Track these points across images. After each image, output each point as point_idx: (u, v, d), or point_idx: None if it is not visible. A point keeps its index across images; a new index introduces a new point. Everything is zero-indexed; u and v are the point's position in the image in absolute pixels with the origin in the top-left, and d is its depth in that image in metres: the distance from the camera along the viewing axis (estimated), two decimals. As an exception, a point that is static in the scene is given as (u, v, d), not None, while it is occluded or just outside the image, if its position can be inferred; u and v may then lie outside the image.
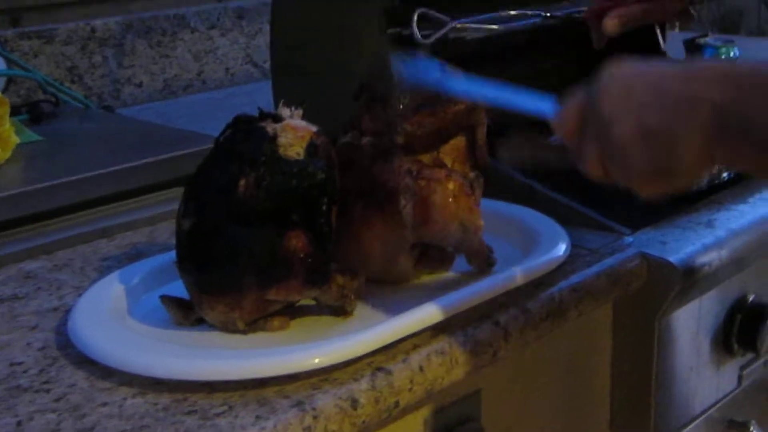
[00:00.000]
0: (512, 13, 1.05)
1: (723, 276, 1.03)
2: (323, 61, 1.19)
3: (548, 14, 1.05)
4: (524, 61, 1.37)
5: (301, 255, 0.75)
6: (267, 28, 1.23)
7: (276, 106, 1.20)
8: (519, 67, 1.35)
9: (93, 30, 1.44)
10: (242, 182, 0.75)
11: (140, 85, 1.50)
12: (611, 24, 0.98)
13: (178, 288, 0.78)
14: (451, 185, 0.82)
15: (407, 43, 1.13)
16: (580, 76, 1.21)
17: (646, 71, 0.65)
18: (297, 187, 0.75)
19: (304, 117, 0.81)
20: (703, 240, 0.99)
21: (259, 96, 1.49)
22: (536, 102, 0.73)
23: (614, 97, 0.65)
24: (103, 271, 0.88)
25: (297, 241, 0.75)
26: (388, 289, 0.85)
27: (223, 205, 0.75)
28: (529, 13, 1.06)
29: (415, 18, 0.84)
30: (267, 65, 1.28)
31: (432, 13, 0.84)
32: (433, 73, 0.78)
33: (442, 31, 1.01)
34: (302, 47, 1.21)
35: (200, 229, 0.76)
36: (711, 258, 0.98)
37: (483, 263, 0.86)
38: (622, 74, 0.66)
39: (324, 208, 0.76)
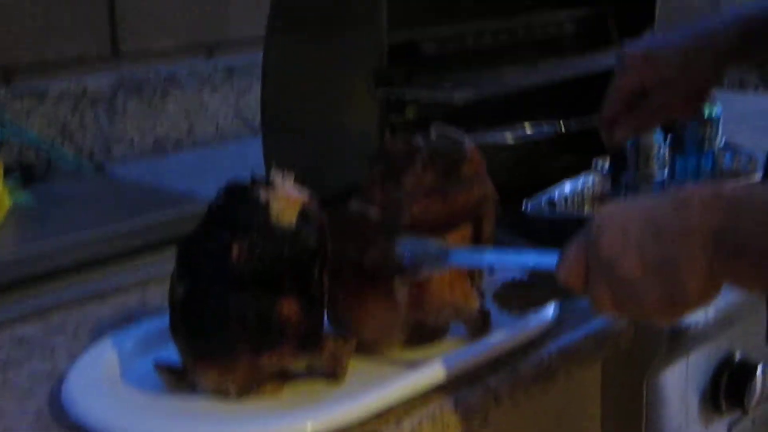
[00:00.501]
0: (527, 127, 1.08)
1: (710, 335, 1.04)
2: (313, 119, 1.20)
3: (563, 127, 1.08)
4: (513, 120, 1.40)
5: (294, 321, 0.76)
6: (257, 84, 1.24)
7: (266, 163, 1.22)
8: (508, 125, 1.38)
9: (85, 89, 1.45)
10: (235, 249, 0.76)
11: (131, 142, 1.51)
12: (622, 133, 1.01)
13: (171, 352, 0.79)
14: (447, 274, 0.83)
15: (397, 104, 1.15)
16: (571, 133, 1.23)
17: (637, 208, 0.68)
18: (289, 254, 0.76)
19: (295, 182, 0.83)
20: (690, 299, 1.00)
21: (248, 153, 1.50)
22: (538, 258, 0.75)
23: (611, 238, 0.66)
24: (97, 335, 0.89)
25: (289, 308, 0.76)
26: (379, 353, 0.86)
27: (216, 272, 0.76)
28: (544, 126, 1.09)
29: (433, 135, 0.87)
30: (257, 122, 1.30)
31: (449, 131, 0.87)
32: (434, 250, 0.80)
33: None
34: (292, 105, 1.22)
35: (193, 295, 0.77)
36: (697, 318, 1.00)
37: (477, 331, 0.87)
38: (615, 215, 0.68)
39: (316, 274, 0.78)
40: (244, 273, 0.75)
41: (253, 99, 1.64)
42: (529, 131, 1.09)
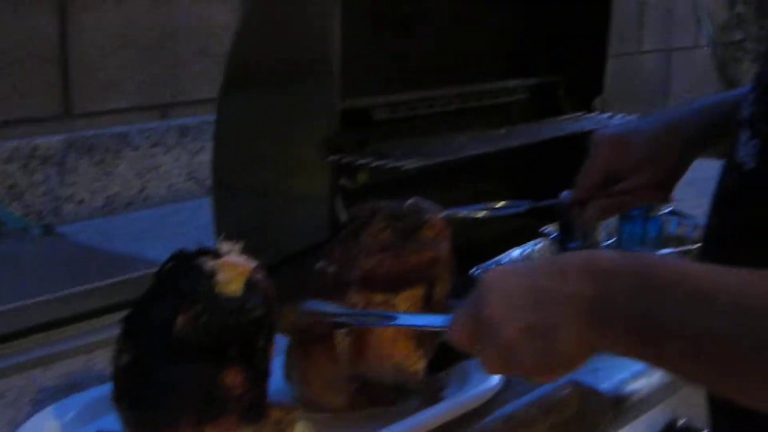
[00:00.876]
0: (498, 205, 1.10)
1: (653, 402, 1.05)
2: (264, 182, 1.21)
3: (534, 205, 1.10)
4: (464, 184, 1.42)
5: (238, 392, 0.76)
6: (210, 145, 1.25)
7: (216, 225, 1.22)
8: (458, 189, 1.40)
9: (35, 148, 1.45)
10: (180, 319, 0.76)
11: (81, 202, 1.51)
12: (592, 215, 1.03)
13: (114, 421, 0.78)
14: (389, 328, 0.83)
15: (348, 169, 1.16)
16: (519, 196, 1.24)
17: (521, 273, 0.70)
18: (234, 324, 0.76)
19: (243, 250, 0.83)
20: (634, 366, 1.01)
21: (201, 213, 1.50)
22: (431, 319, 0.80)
23: (496, 302, 0.69)
24: (38, 404, 0.88)
25: (233, 378, 0.76)
26: (322, 422, 0.86)
27: (160, 342, 0.76)
28: (515, 203, 1.11)
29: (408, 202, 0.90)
30: (209, 182, 1.31)
31: (421, 201, 0.90)
32: (331, 309, 0.83)
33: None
34: (244, 167, 1.23)
35: (137, 365, 0.76)
36: (641, 385, 1.01)
37: (427, 400, 0.87)
38: (501, 279, 0.70)
39: (261, 344, 0.78)
40: (189, 343, 0.75)
41: (206, 159, 1.63)
42: (499, 206, 1.12)
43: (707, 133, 1.00)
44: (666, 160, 1.00)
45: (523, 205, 1.10)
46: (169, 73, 1.64)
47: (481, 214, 1.09)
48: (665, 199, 1.05)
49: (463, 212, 1.06)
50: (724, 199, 0.83)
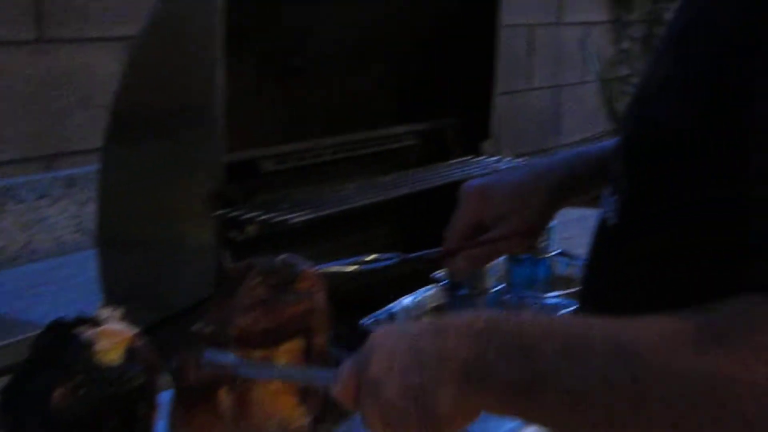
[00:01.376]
0: (369, 258, 1.10)
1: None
2: (150, 235, 1.19)
3: (403, 257, 1.10)
4: (356, 231, 1.42)
5: (119, 464, 0.74)
6: (98, 195, 1.23)
7: (102, 279, 1.20)
8: (351, 236, 1.40)
9: None
10: (58, 392, 0.74)
11: (-37, 259, 1.47)
12: (462, 265, 1.04)
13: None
14: (271, 384, 0.83)
15: (236, 222, 1.15)
16: (398, 244, 1.25)
17: (404, 334, 0.71)
18: (114, 394, 0.75)
19: (124, 317, 0.82)
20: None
21: (89, 266, 1.47)
22: (317, 375, 0.80)
23: (379, 362, 0.69)
24: None
25: (115, 450, 0.74)
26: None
27: (38, 416, 0.74)
28: (386, 256, 1.11)
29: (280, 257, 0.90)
30: (98, 234, 1.28)
31: (292, 257, 0.90)
32: (229, 359, 0.82)
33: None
34: (129, 221, 1.21)
35: (13, 441, 0.74)
36: (529, 433, 1.02)
37: None
38: (386, 338, 0.71)
39: (142, 412, 0.77)
40: (68, 416, 0.74)
41: (94, 209, 1.61)
42: (370, 259, 1.12)
43: (571, 183, 1.02)
44: (529, 210, 1.01)
45: (395, 258, 1.11)
46: (53, 123, 1.61)
47: (351, 268, 1.09)
48: (532, 247, 1.06)
49: (334, 267, 1.06)
50: (595, 249, 0.85)
